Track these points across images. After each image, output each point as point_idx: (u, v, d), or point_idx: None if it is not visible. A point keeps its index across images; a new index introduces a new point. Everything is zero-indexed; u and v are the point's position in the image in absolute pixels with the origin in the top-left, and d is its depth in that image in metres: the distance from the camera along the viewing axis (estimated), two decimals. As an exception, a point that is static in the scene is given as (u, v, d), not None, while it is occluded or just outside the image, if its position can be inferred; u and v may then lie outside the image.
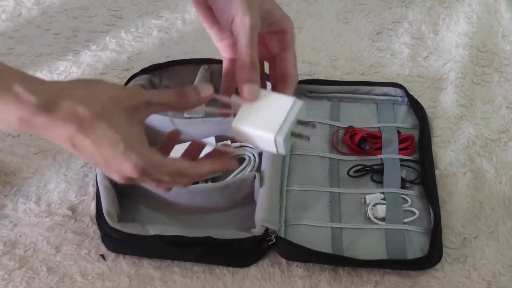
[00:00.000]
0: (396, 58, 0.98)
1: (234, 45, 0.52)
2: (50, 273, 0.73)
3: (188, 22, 1.03)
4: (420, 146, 0.82)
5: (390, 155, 0.82)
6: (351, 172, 0.81)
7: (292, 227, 0.75)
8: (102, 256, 0.74)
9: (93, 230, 0.76)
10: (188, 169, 0.49)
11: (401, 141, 0.84)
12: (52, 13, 1.04)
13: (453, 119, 0.87)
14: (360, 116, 0.88)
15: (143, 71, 0.87)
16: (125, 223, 0.72)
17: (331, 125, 0.86)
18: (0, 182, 0.81)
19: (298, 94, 0.89)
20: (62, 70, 0.95)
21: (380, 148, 0.83)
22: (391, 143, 0.83)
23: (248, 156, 0.80)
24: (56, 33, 1.00)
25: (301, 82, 0.89)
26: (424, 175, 0.79)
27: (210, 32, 0.55)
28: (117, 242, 0.72)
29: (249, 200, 0.77)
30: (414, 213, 0.77)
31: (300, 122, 0.49)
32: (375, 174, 0.81)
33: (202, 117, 0.80)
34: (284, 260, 0.74)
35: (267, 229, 0.71)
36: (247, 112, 0.49)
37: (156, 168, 0.47)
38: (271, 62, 0.56)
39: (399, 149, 0.83)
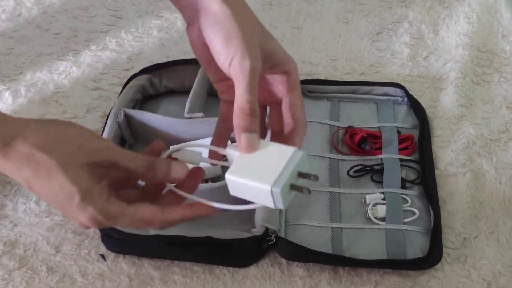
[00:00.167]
0: (396, 58, 0.98)
1: (232, 87, 0.47)
2: (50, 273, 0.73)
3: (188, 22, 1.03)
4: (420, 146, 0.82)
5: (390, 155, 0.82)
6: (351, 172, 0.81)
7: (292, 227, 0.75)
8: (102, 256, 0.74)
9: (93, 230, 0.76)
10: (154, 216, 0.45)
11: (401, 141, 0.84)
12: (52, 13, 1.04)
13: (453, 119, 0.87)
14: (360, 116, 0.88)
15: (143, 71, 0.87)
16: (125, 223, 0.72)
17: (331, 125, 0.86)
18: (0, 182, 0.81)
19: (298, 94, 0.89)
20: (62, 70, 0.95)
21: (380, 148, 0.83)
22: (391, 143, 0.83)
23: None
24: (56, 33, 1.00)
25: (301, 82, 0.88)
26: (424, 175, 0.79)
27: (208, 71, 0.51)
28: (117, 242, 0.72)
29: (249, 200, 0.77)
30: (414, 213, 0.77)
31: (301, 175, 0.45)
32: (375, 174, 0.81)
33: (202, 117, 0.80)
34: (284, 260, 0.74)
35: (267, 229, 0.71)
36: (243, 162, 0.45)
37: (115, 219, 0.45)
38: (273, 107, 0.51)
39: (399, 149, 0.83)
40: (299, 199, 0.78)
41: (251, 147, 0.45)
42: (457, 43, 0.98)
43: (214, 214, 0.48)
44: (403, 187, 0.79)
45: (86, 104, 0.90)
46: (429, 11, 1.05)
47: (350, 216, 0.77)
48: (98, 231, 0.75)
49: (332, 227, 0.76)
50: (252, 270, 0.73)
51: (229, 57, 0.45)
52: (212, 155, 0.50)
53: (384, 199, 0.78)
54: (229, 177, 0.45)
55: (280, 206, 0.44)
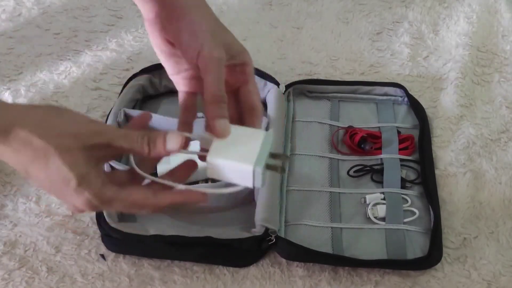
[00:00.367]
0: (396, 58, 0.98)
1: (191, 78, 0.52)
2: (50, 273, 0.73)
3: (188, 22, 1.03)
4: (420, 146, 0.82)
5: (390, 155, 0.82)
6: (351, 172, 0.81)
7: (292, 227, 0.75)
8: (102, 256, 0.74)
9: (93, 230, 0.76)
10: (146, 200, 0.47)
11: (401, 141, 0.84)
12: (52, 13, 1.04)
13: (453, 119, 0.87)
14: (360, 116, 0.88)
15: (143, 71, 0.87)
16: (125, 223, 0.72)
17: (331, 125, 0.86)
18: (0, 182, 0.81)
19: (299, 94, 0.89)
20: (62, 70, 0.95)
21: (380, 148, 0.83)
22: (391, 143, 0.83)
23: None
24: (56, 33, 1.00)
25: (301, 82, 0.89)
26: (424, 175, 0.79)
27: (166, 64, 0.53)
28: (117, 242, 0.72)
29: (249, 200, 0.77)
30: (414, 213, 0.77)
31: (272, 155, 0.47)
32: (375, 174, 0.81)
33: (202, 117, 0.80)
34: (284, 260, 0.74)
35: (267, 229, 0.71)
36: (220, 146, 0.47)
37: (110, 203, 0.46)
38: (230, 95, 0.52)
39: (399, 149, 0.83)
40: (299, 199, 0.78)
41: (226, 132, 0.47)
42: (457, 43, 0.98)
43: (205, 205, 0.49)
44: (403, 187, 0.79)
45: (86, 104, 0.90)
46: (429, 11, 1.05)
47: (350, 216, 0.77)
48: (98, 231, 0.75)
49: (332, 227, 0.76)
50: (252, 270, 0.73)
51: (197, 49, 0.47)
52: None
53: (384, 199, 0.78)
54: (211, 160, 0.47)
55: (259, 185, 0.47)
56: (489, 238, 0.76)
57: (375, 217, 0.77)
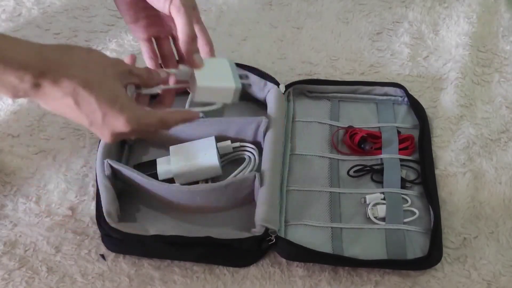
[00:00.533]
0: (396, 58, 0.98)
1: (148, 26, 0.64)
2: (50, 273, 0.73)
3: (188, 22, 1.03)
4: (420, 146, 0.83)
5: (390, 155, 0.82)
6: (351, 172, 0.81)
7: (292, 227, 0.75)
8: (102, 256, 0.74)
9: (93, 230, 0.76)
10: (167, 117, 0.57)
11: (401, 141, 0.84)
12: (52, 13, 1.04)
13: (453, 119, 0.87)
14: (360, 116, 0.88)
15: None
16: (125, 223, 0.72)
17: (331, 125, 0.86)
18: (0, 182, 0.81)
19: (299, 94, 0.89)
20: (62, 70, 0.95)
21: (380, 148, 0.83)
22: (391, 143, 0.83)
23: (248, 156, 0.80)
24: (56, 33, 1.00)
25: (301, 82, 0.89)
26: (424, 175, 0.79)
27: (127, 13, 0.63)
28: (117, 242, 0.73)
29: (249, 200, 0.77)
30: (414, 213, 0.77)
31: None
32: (375, 174, 0.81)
33: (202, 117, 0.80)
34: (284, 260, 0.74)
35: (267, 229, 0.71)
36: (202, 75, 0.60)
37: (144, 119, 0.55)
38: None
39: (399, 149, 0.83)
40: (299, 199, 0.78)
41: (201, 63, 0.61)
42: (457, 43, 0.98)
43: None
44: (403, 187, 0.79)
45: (86, 104, 0.90)
46: (429, 11, 1.05)
47: (350, 216, 0.77)
48: (98, 231, 0.75)
49: (332, 227, 0.76)
50: (252, 270, 0.73)
51: None
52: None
53: (384, 199, 0.78)
54: (202, 85, 0.60)
55: (236, 100, 0.62)
56: (489, 238, 0.76)
57: (375, 217, 0.77)
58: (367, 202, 0.78)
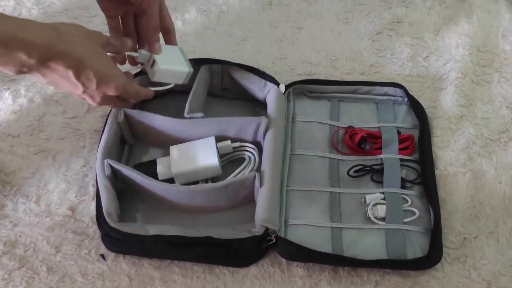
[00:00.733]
0: (396, 58, 0.98)
1: (117, 6, 0.72)
2: (50, 273, 0.73)
3: (188, 22, 1.03)
4: (420, 146, 0.83)
5: (390, 155, 0.82)
6: (351, 172, 0.81)
7: (292, 227, 0.75)
8: (102, 256, 0.74)
9: (93, 230, 0.76)
10: (140, 90, 0.71)
11: (401, 141, 0.84)
12: (52, 13, 1.04)
13: (453, 119, 0.87)
14: (360, 116, 0.88)
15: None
16: (125, 223, 0.72)
17: (331, 125, 0.86)
18: (0, 182, 0.81)
19: (299, 94, 0.89)
20: (62, 70, 0.95)
21: (380, 148, 0.83)
22: (391, 143, 0.83)
23: (248, 156, 0.80)
24: (56, 33, 1.00)
25: (301, 82, 0.89)
26: (424, 175, 0.79)
27: (106, 9, 0.72)
28: (117, 242, 0.72)
29: (249, 200, 0.77)
30: (414, 213, 0.77)
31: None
32: (375, 174, 0.81)
33: (202, 117, 0.80)
34: (284, 260, 0.74)
35: (267, 229, 0.71)
36: (161, 58, 0.73)
37: (128, 87, 0.67)
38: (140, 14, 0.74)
39: (399, 149, 0.83)
40: (299, 199, 0.78)
41: (160, 50, 0.73)
42: (457, 43, 0.98)
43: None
44: (403, 187, 0.79)
45: (86, 104, 0.90)
46: (429, 11, 1.05)
47: (350, 216, 0.77)
48: (98, 231, 0.75)
49: (332, 227, 0.76)
50: (252, 270, 0.73)
51: None
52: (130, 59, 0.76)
53: (384, 199, 0.78)
54: (161, 67, 0.72)
55: (186, 81, 0.76)
56: (489, 238, 0.76)
57: (375, 217, 0.77)
58: (367, 202, 0.78)
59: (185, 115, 0.79)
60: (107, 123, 0.80)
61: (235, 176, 0.78)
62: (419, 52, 0.99)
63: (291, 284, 0.72)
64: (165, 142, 0.81)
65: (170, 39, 0.77)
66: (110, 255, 0.74)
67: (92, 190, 0.80)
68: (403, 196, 0.78)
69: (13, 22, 0.55)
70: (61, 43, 0.59)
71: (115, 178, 0.76)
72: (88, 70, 0.61)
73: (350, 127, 0.85)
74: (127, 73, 0.71)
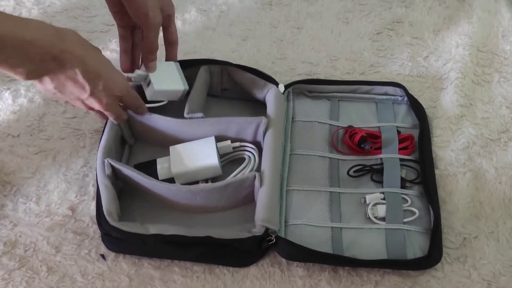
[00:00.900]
0: (396, 58, 0.98)
1: (127, 18, 0.73)
2: (50, 273, 0.73)
3: (188, 22, 1.03)
4: (420, 146, 0.83)
5: (390, 154, 0.82)
6: (351, 172, 0.81)
7: (292, 227, 0.75)
8: (102, 256, 0.74)
9: (93, 230, 0.76)
10: (139, 97, 0.74)
11: (401, 141, 0.84)
12: (52, 13, 1.04)
13: (453, 119, 0.87)
14: (360, 115, 0.88)
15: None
16: (125, 222, 0.72)
17: (331, 124, 0.86)
18: (0, 182, 0.81)
19: (298, 93, 0.89)
20: (62, 70, 0.95)
21: (380, 148, 0.83)
22: (391, 143, 0.83)
23: (248, 156, 0.80)
24: (56, 33, 1.00)
25: (301, 82, 0.89)
26: (424, 175, 0.79)
27: (111, 4, 0.74)
28: (117, 241, 0.72)
29: (249, 200, 0.77)
30: (414, 213, 0.77)
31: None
32: (375, 174, 0.81)
33: (202, 117, 0.80)
34: (284, 260, 0.74)
35: (267, 229, 0.70)
36: (156, 78, 0.76)
37: (129, 88, 0.70)
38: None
39: (399, 149, 0.83)
40: (299, 199, 0.78)
41: (155, 69, 0.76)
42: (457, 43, 0.98)
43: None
44: (403, 187, 0.79)
45: (86, 104, 0.90)
46: (429, 11, 1.05)
47: (350, 216, 0.77)
48: (98, 231, 0.75)
49: (332, 227, 0.76)
50: (252, 270, 0.73)
51: (143, 12, 0.70)
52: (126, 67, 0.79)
53: (384, 199, 0.78)
54: (157, 88, 0.76)
55: (182, 98, 0.80)
56: (489, 238, 0.76)
57: (375, 217, 0.77)
58: (367, 202, 0.78)
59: (185, 115, 0.79)
60: (107, 123, 0.80)
61: (235, 176, 0.78)
62: (419, 52, 0.99)
63: (291, 284, 0.72)
64: (165, 142, 0.81)
65: (171, 52, 0.79)
66: (110, 255, 0.74)
67: (92, 190, 0.80)
68: (403, 196, 0.78)
69: (13, 22, 0.56)
70: (62, 43, 0.59)
71: (115, 177, 0.76)
72: (94, 68, 0.62)
73: (350, 126, 0.85)
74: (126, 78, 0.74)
